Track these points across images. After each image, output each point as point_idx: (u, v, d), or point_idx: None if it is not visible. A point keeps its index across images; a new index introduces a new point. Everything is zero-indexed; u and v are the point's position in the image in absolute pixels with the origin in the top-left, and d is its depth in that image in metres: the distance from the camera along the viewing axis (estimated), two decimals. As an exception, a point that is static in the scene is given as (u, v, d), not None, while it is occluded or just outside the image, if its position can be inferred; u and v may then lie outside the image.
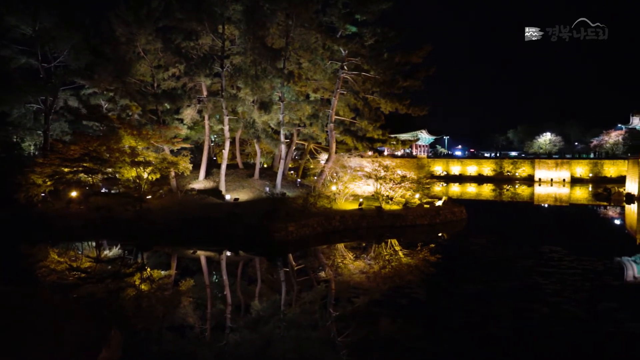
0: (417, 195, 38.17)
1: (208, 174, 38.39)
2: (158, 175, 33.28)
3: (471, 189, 74.19)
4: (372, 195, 37.12)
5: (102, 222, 31.23)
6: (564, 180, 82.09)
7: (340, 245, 27.57)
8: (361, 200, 35.86)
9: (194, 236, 29.47)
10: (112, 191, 35.84)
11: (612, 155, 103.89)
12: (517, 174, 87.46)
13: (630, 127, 58.51)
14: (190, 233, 29.74)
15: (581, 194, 67.08)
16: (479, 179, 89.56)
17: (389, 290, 17.91)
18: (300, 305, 16.71)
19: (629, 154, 64.86)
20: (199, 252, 26.44)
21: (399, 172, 35.68)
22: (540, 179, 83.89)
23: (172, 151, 36.17)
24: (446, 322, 14.63)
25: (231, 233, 29.23)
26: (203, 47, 35.22)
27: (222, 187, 35.45)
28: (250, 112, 33.99)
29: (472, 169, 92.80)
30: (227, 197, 34.44)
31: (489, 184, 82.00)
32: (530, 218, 45.68)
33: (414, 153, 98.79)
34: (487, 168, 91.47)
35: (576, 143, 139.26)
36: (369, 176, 34.77)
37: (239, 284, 19.78)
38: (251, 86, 32.15)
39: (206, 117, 36.78)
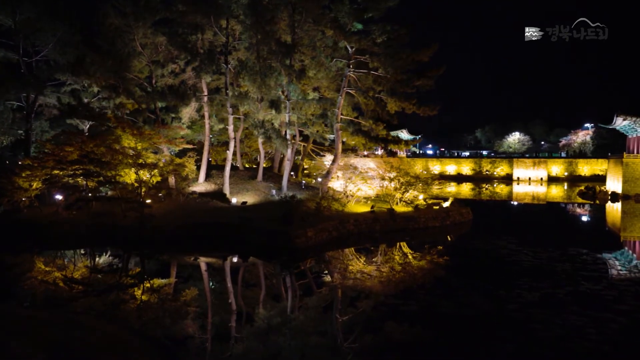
0: (421, 197, 37.63)
1: (207, 176, 36.41)
2: (159, 178, 31.20)
3: (451, 188, 74.62)
4: (377, 196, 36.28)
5: (100, 229, 28.89)
6: (541, 179, 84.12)
7: (361, 250, 26.49)
8: (368, 201, 35.05)
9: (203, 243, 27.68)
10: (99, 194, 33.15)
11: (580, 154, 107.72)
12: (495, 173, 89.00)
13: (612, 127, 60.14)
14: (199, 240, 27.93)
15: (564, 192, 68.57)
16: (458, 178, 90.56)
17: (445, 301, 16.93)
18: (355, 316, 15.50)
19: (609, 153, 66.89)
20: (212, 260, 24.95)
21: (409, 174, 34.97)
22: (518, 178, 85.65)
23: (172, 152, 34.03)
24: (531, 336, 13.79)
25: (245, 239, 27.65)
26: (205, 43, 33.23)
27: (227, 190, 33.64)
28: (257, 111, 32.35)
29: (451, 168, 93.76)
30: (234, 200, 32.68)
31: (468, 183, 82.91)
32: (531, 217, 46.09)
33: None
34: (466, 167, 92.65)
35: (542, 142, 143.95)
36: (382, 177, 33.84)
37: (280, 295, 18.32)
38: (259, 84, 30.56)
39: (206, 115, 34.81)
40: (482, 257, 24.41)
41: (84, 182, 30.76)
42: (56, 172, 28.61)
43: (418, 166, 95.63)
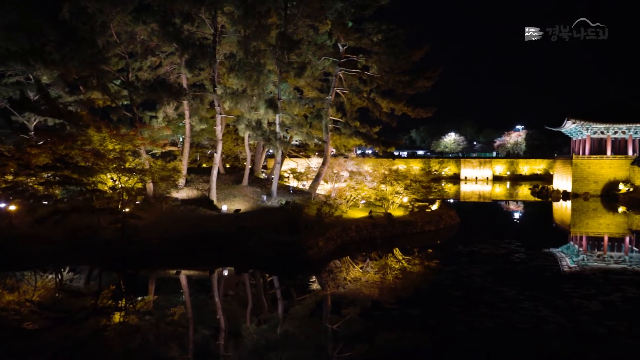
0: (406, 199, 37.01)
1: (187, 181, 33.08)
2: (141, 185, 27.74)
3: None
4: (366, 198, 35.12)
5: (73, 245, 24.91)
6: (487, 178, 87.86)
7: (371, 258, 25.27)
8: (362, 206, 33.88)
9: (198, 257, 25.14)
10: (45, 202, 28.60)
11: (513, 154, 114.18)
12: (443, 173, 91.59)
13: (559, 129, 63.91)
14: (193, 253, 25.23)
15: (515, 191, 71.50)
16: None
17: (516, 315, 15.98)
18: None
19: (556, 154, 71.19)
20: (210, 275, 22.84)
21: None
22: (466, 177, 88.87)
23: (153, 155, 30.48)
24: (636, 354, 13.18)
25: (247, 251, 25.36)
26: (189, 34, 30.05)
27: (214, 197, 30.72)
28: (248, 111, 29.77)
29: (401, 167, 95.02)
30: (224, 208, 29.89)
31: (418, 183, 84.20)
32: (508, 217, 47.48)
33: (346, 154, 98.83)
34: (415, 167, 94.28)
35: (474, 142, 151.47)
36: (383, 181, 32.72)
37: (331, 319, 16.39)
38: (254, 81, 28.10)
39: (187, 114, 31.55)
40: (505, 263, 23.92)
41: (49, 190, 26.53)
42: (21, 178, 24.25)
43: (367, 166, 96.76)
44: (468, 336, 14.44)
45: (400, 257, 25.44)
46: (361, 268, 23.27)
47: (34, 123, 35.15)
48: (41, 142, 25.49)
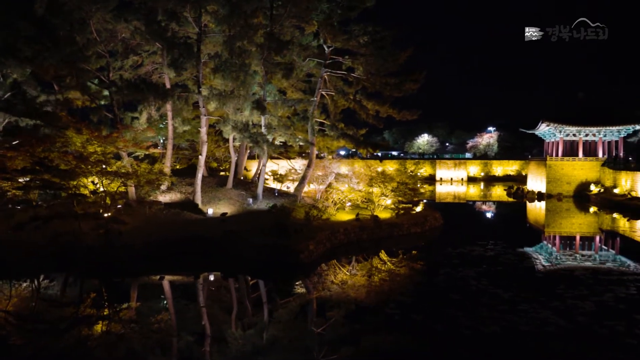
0: (389, 201, 37.10)
1: (171, 184, 32.17)
2: (123, 188, 26.78)
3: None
4: (352, 201, 35.02)
5: (54, 251, 23.82)
6: (462, 179, 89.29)
7: (361, 261, 25.20)
8: (348, 208, 33.72)
9: (185, 261, 24.50)
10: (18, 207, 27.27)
11: (485, 155, 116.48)
12: (419, 174, 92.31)
13: (533, 131, 65.48)
14: (180, 258, 24.58)
15: (490, 192, 72.85)
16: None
17: (517, 318, 16.08)
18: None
19: (529, 156, 72.84)
20: (203, 281, 22.15)
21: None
22: (441, 178, 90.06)
23: (135, 158, 29.48)
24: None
25: (234, 255, 24.93)
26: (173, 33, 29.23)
27: (198, 200, 29.97)
28: (234, 113, 29.18)
29: (378, 169, 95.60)
30: (209, 211, 29.18)
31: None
32: (486, 218, 48.08)
33: (322, 155, 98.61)
34: (391, 168, 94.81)
35: (447, 144, 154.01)
36: (369, 183, 32.65)
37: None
38: (240, 82, 27.56)
39: (169, 115, 30.71)
40: (496, 264, 24.06)
41: (27, 195, 25.27)
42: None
43: (344, 167, 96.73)
44: (470, 338, 14.41)
45: (392, 260, 25.36)
46: (354, 271, 23.08)
47: (3, 124, 33.58)
48: (15, 142, 24.16)
